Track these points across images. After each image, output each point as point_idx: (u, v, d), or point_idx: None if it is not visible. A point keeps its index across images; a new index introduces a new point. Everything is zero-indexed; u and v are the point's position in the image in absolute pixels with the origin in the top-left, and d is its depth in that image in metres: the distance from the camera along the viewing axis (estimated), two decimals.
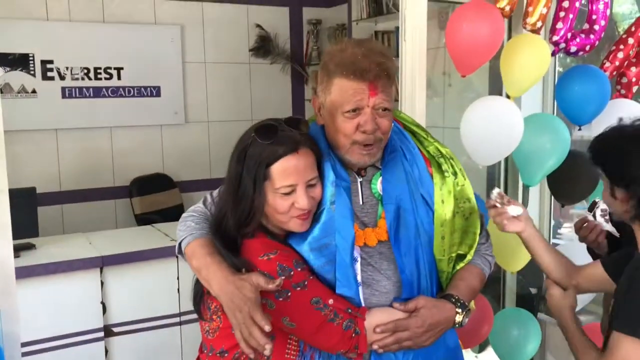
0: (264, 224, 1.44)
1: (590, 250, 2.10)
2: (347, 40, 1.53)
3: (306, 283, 1.37)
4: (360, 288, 1.46)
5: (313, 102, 1.54)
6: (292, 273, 1.36)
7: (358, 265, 1.47)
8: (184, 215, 1.56)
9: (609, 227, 1.94)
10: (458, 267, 1.59)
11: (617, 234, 1.93)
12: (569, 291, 1.65)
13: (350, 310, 1.40)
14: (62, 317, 2.74)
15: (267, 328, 1.23)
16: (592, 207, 1.97)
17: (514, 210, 1.66)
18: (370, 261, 1.49)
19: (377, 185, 1.53)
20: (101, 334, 2.83)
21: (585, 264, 1.76)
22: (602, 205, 1.94)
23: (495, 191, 1.70)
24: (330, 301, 1.38)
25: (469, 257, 1.59)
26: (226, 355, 1.42)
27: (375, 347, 1.42)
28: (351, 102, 1.41)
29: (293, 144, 1.38)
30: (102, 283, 2.84)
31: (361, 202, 1.52)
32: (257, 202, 1.38)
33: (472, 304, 1.70)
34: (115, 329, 2.88)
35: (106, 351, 2.86)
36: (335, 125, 1.44)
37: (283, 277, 1.33)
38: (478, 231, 1.60)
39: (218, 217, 1.44)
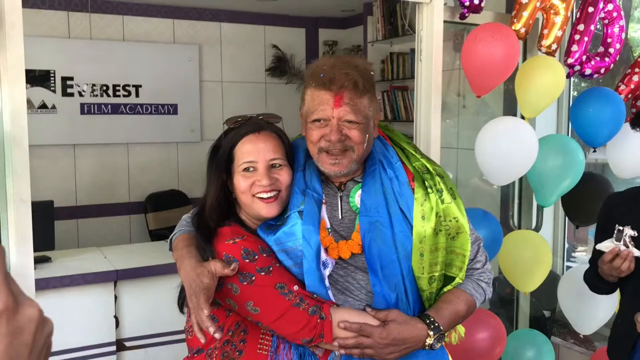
0: (240, 216, 1.49)
1: (593, 279, 2.07)
2: (332, 55, 1.56)
3: (271, 269, 1.38)
4: (330, 292, 1.44)
5: (300, 115, 1.56)
6: (256, 257, 1.37)
7: (328, 271, 1.45)
8: (183, 216, 1.60)
9: (638, 252, 1.91)
10: (445, 290, 1.53)
11: None
12: None
13: (316, 296, 1.40)
14: (75, 330, 2.76)
15: (206, 312, 1.24)
16: (620, 236, 1.92)
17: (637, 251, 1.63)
18: (345, 272, 1.48)
19: (356, 198, 1.51)
20: (113, 347, 2.84)
21: None
22: (629, 232, 1.91)
23: (606, 242, 1.67)
24: (295, 287, 1.38)
25: (458, 280, 1.53)
26: (202, 352, 1.42)
27: (335, 344, 1.39)
28: (317, 111, 1.44)
29: (255, 125, 1.47)
30: (115, 297, 2.85)
31: (340, 217, 1.51)
32: (228, 186, 1.46)
33: (456, 335, 1.67)
34: (127, 343, 2.89)
35: None
36: (308, 134, 1.48)
37: (240, 261, 1.36)
38: (468, 254, 1.53)
39: (199, 210, 1.49)
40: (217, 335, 1.25)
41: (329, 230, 1.49)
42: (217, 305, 1.40)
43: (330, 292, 1.44)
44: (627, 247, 1.89)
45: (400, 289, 1.47)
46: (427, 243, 1.48)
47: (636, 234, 1.90)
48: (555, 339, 3.11)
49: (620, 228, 1.91)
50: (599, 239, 2.01)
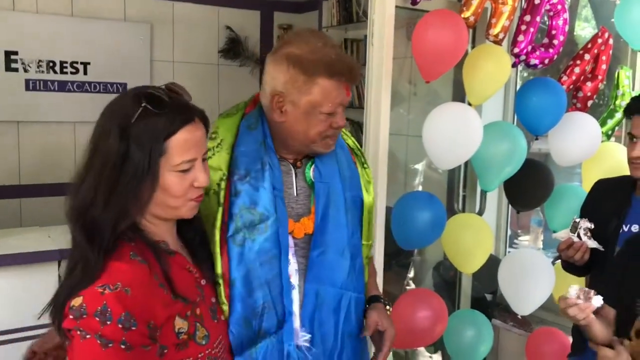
0: (136, 220, 1.19)
1: (565, 262, 2.15)
2: (308, 34, 1.51)
3: (110, 345, 1.06)
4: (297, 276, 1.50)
5: (271, 99, 1.47)
6: (108, 323, 1.06)
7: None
8: None
9: (593, 243, 1.98)
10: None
11: (602, 249, 1.98)
12: (620, 348, 1.51)
13: None
14: (20, 309, 2.69)
15: None
16: (574, 228, 1.98)
17: (598, 301, 1.52)
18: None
19: (310, 172, 1.55)
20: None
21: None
22: (584, 225, 1.98)
23: (575, 289, 1.53)
24: None
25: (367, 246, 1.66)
26: None
27: None
28: (334, 103, 1.44)
29: (189, 112, 1.20)
30: (59, 277, 2.80)
31: (295, 194, 1.53)
32: (150, 185, 1.15)
33: None
34: None
35: None
36: (310, 123, 1.45)
37: (88, 316, 1.06)
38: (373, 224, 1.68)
39: (81, 207, 1.14)
40: None
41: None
42: None
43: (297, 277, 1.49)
44: (581, 239, 1.97)
45: (347, 255, 1.54)
46: (371, 212, 1.60)
47: (592, 226, 1.98)
48: (495, 321, 3.22)
49: (577, 220, 1.99)
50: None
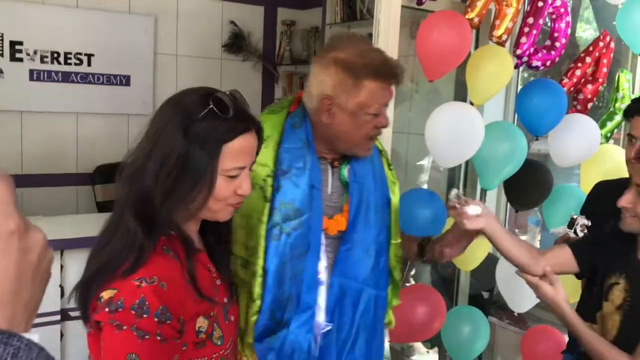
0: (175, 217, 1.20)
1: None
2: (353, 38, 1.58)
3: (147, 337, 1.07)
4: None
5: (320, 102, 1.51)
6: (145, 316, 1.07)
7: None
8: None
9: None
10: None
11: None
12: (558, 285, 1.61)
13: None
14: None
15: None
16: (571, 224, 2.01)
17: (472, 210, 1.65)
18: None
19: (345, 171, 1.61)
20: (58, 317, 2.81)
21: (549, 247, 1.83)
22: (581, 221, 2.01)
23: (453, 192, 1.72)
24: None
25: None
26: None
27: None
28: (380, 104, 1.51)
29: (249, 120, 1.22)
30: (61, 267, 2.83)
31: (329, 192, 1.59)
32: (208, 186, 1.17)
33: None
34: (72, 313, 2.87)
35: (61, 335, 2.84)
36: (357, 124, 1.51)
37: (125, 309, 1.08)
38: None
39: (139, 197, 1.15)
40: None
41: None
42: None
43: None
44: (577, 235, 2.00)
45: (372, 253, 1.62)
46: (397, 212, 1.70)
47: (589, 223, 2.01)
48: (492, 319, 3.26)
49: (575, 216, 2.02)
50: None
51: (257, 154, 1.26)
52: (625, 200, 1.60)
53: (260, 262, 1.48)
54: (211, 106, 1.15)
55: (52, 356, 0.55)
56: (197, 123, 1.15)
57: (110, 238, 1.16)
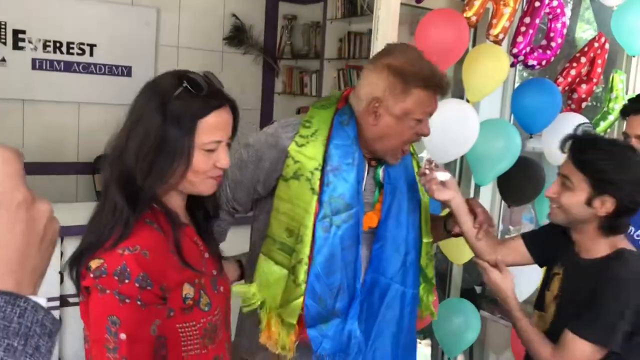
0: (158, 192, 1.27)
1: None
2: (405, 47, 1.66)
3: (127, 301, 1.14)
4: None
5: (368, 103, 1.57)
6: (126, 281, 1.14)
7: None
8: None
9: None
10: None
11: None
12: (507, 273, 1.68)
13: None
14: None
15: None
16: None
17: (442, 175, 1.67)
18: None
19: (380, 172, 1.69)
20: (57, 303, 2.85)
21: (508, 237, 1.90)
22: None
23: (426, 159, 1.75)
24: (122, 336, 1.14)
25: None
26: None
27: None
28: (425, 112, 1.57)
29: (223, 97, 1.30)
30: (61, 253, 2.86)
31: (364, 189, 1.67)
32: (186, 161, 1.23)
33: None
34: (71, 299, 2.90)
35: (60, 320, 2.89)
36: (400, 128, 1.56)
37: (108, 275, 1.15)
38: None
39: (123, 174, 1.23)
40: None
41: None
42: None
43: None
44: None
45: (402, 251, 1.69)
46: (427, 211, 1.77)
47: None
48: (483, 313, 3.31)
49: None
50: None
51: (235, 129, 1.33)
52: (551, 191, 1.62)
53: (306, 250, 1.55)
54: (185, 85, 1.23)
55: (58, 319, 0.58)
56: (172, 101, 1.23)
57: (100, 216, 1.25)
